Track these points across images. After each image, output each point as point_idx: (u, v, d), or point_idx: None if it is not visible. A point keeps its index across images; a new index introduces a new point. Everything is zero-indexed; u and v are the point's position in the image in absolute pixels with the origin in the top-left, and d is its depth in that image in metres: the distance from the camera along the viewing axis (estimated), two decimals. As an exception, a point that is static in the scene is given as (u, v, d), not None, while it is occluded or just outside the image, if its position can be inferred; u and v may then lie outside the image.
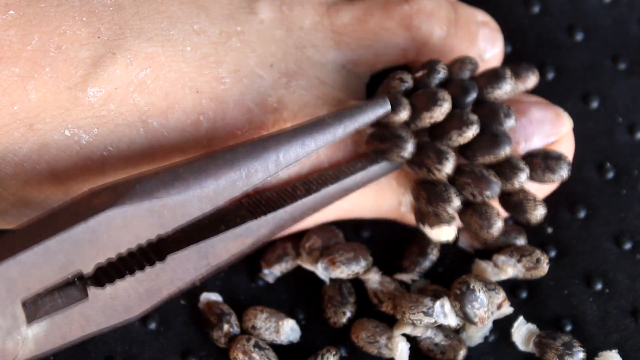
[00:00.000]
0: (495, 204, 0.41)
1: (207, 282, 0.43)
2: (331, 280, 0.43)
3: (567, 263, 0.44)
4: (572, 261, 0.44)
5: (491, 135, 0.40)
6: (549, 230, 0.44)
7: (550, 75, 0.46)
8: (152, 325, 0.42)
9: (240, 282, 0.43)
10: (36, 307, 0.35)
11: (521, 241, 0.43)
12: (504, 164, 0.40)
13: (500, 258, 0.42)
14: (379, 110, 0.39)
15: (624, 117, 0.45)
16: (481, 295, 0.40)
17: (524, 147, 0.42)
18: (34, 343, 0.35)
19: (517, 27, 0.46)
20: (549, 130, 0.42)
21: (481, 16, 0.44)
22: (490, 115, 0.40)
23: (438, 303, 0.40)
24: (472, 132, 0.40)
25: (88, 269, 0.35)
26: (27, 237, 0.34)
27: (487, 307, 0.40)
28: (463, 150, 0.40)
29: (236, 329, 0.42)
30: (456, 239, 0.43)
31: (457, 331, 0.42)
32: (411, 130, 0.40)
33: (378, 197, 0.42)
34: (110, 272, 0.36)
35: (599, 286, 0.43)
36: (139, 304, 0.37)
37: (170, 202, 0.36)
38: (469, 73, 0.41)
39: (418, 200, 0.40)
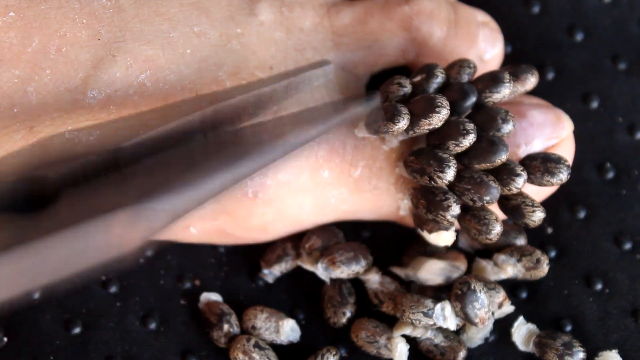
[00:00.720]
0: (494, 208, 0.41)
1: (207, 282, 0.43)
2: (331, 280, 0.43)
3: (567, 263, 0.44)
4: (572, 261, 0.44)
5: (487, 142, 0.39)
6: (549, 230, 0.44)
7: (550, 76, 0.46)
8: (152, 325, 0.42)
9: (240, 282, 0.43)
10: None
11: (521, 241, 0.43)
12: (501, 168, 0.40)
13: (501, 257, 0.42)
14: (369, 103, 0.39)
15: (624, 117, 0.45)
16: (482, 295, 0.40)
17: (524, 150, 0.41)
18: None
19: (517, 27, 0.46)
20: (550, 133, 0.42)
21: (481, 16, 0.44)
22: (488, 120, 0.40)
23: (439, 306, 0.40)
24: (468, 141, 0.39)
25: None
26: None
27: (488, 307, 0.40)
28: (459, 157, 0.40)
29: (236, 329, 0.42)
30: (456, 241, 0.43)
31: (457, 332, 0.42)
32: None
33: (377, 201, 0.42)
34: None
35: (599, 286, 0.43)
36: None
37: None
38: (467, 77, 0.41)
39: (417, 207, 0.40)
